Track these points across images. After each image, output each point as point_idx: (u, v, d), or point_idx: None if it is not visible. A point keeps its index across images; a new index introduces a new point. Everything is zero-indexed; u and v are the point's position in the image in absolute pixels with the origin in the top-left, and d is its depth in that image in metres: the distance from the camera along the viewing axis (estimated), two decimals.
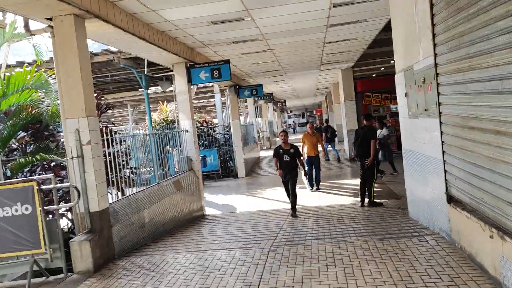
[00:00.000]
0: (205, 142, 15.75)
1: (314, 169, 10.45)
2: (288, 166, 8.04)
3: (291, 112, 62.85)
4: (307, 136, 10.69)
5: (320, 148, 11.26)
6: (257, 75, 16.03)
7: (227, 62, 9.22)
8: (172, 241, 6.65)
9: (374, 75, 23.43)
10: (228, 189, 13.39)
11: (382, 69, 21.06)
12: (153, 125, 16.43)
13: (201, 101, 24.39)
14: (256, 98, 20.07)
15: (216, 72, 9.23)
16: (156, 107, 17.58)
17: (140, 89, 15.24)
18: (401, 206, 7.93)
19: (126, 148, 8.25)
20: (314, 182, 10.59)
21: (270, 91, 21.52)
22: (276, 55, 11.54)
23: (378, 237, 5.42)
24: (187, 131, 9.30)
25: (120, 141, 7.92)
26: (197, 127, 16.48)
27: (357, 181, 9.04)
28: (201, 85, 19.89)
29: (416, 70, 5.32)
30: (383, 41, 14.29)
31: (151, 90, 20.27)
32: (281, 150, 8.15)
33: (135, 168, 8.32)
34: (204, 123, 16.91)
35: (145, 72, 9.43)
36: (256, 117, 28.20)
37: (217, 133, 16.96)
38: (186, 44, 9.00)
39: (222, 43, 9.28)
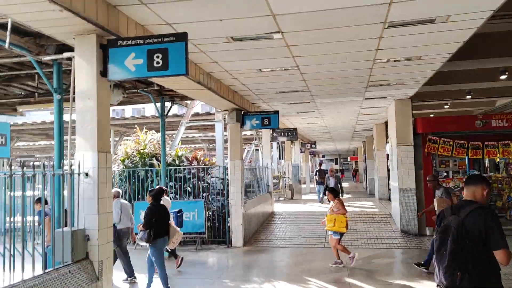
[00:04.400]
0: (188, 189, 10.84)
1: None
2: None
3: (323, 156, 57.06)
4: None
5: None
6: (271, 99, 11.21)
7: (182, 37, 4.44)
8: None
9: (432, 115, 18.04)
10: (209, 272, 8.30)
11: (447, 106, 15.79)
12: (121, 158, 11.80)
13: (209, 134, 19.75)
14: (274, 134, 15.15)
15: (157, 57, 4.44)
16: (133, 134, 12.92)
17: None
18: None
19: None
20: None
21: (294, 126, 16.55)
22: (294, 55, 6.66)
23: None
24: (86, 174, 4.42)
25: None
26: (181, 165, 11.70)
27: None
28: (203, 111, 15.24)
29: None
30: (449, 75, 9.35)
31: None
32: None
33: None
34: (195, 161, 12.03)
35: (7, 42, 4.62)
36: (280, 158, 23.12)
37: (212, 177, 12.03)
38: None
39: None
